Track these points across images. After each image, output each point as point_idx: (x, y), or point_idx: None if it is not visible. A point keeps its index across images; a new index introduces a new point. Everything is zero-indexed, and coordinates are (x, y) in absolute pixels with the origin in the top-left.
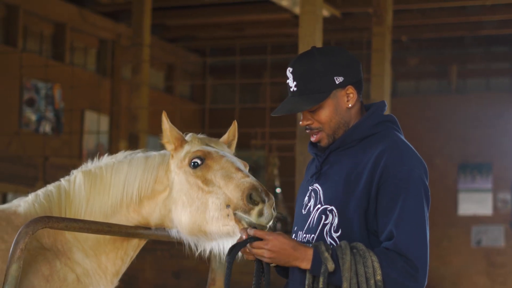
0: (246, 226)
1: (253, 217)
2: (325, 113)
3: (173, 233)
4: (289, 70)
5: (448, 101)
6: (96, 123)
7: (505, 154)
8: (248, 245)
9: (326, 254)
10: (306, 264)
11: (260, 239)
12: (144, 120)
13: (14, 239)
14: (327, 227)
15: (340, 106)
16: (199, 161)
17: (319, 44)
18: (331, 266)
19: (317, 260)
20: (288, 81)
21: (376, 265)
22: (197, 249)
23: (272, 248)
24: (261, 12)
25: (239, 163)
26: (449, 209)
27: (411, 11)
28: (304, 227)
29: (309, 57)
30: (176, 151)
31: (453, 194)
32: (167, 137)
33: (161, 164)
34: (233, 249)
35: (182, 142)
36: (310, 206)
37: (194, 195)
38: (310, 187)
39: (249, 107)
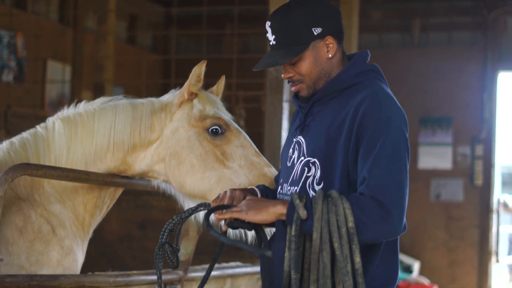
0: None
1: None
2: (305, 65)
3: (155, 183)
4: (267, 24)
5: (410, 55)
6: (59, 73)
7: (465, 108)
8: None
9: (298, 201)
10: (282, 208)
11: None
12: (110, 69)
13: None
14: (310, 179)
15: (320, 57)
16: (219, 130)
17: None
18: (302, 213)
19: (292, 208)
20: (267, 35)
21: (348, 211)
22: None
23: (247, 203)
24: None
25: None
26: (409, 162)
27: None
28: (289, 179)
29: (286, 9)
30: (186, 103)
31: (413, 148)
32: (196, 84)
33: (153, 113)
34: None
35: (192, 95)
36: (294, 158)
37: (209, 164)
38: (294, 139)
39: (214, 57)
